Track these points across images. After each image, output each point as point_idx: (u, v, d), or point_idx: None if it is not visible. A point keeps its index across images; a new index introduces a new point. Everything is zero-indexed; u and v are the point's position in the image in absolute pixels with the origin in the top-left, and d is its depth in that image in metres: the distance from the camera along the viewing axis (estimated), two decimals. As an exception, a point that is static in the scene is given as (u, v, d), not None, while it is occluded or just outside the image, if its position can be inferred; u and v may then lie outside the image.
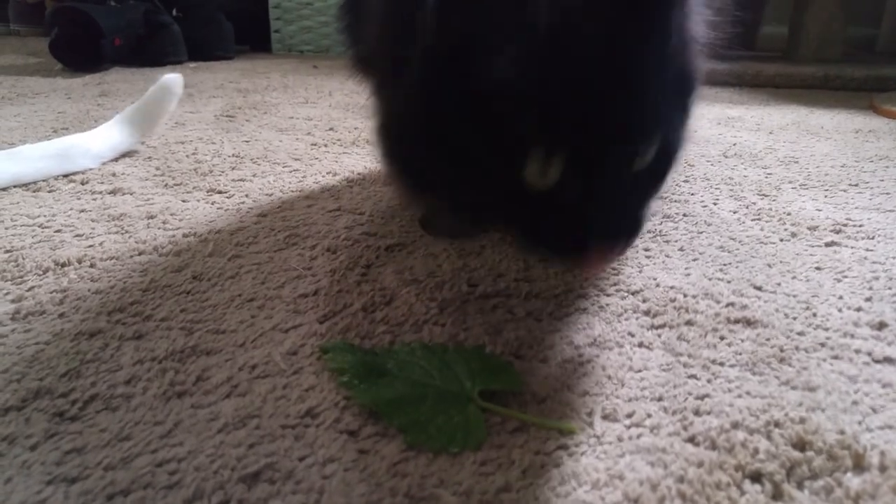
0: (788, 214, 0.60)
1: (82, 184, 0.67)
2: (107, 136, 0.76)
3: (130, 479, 0.26)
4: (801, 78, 1.40)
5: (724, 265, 0.49)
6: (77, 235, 0.53)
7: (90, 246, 0.51)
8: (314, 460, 0.28)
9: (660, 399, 0.32)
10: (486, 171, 0.31)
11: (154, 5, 1.65)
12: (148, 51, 1.60)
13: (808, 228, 0.56)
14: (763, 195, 0.66)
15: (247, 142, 0.86)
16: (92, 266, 0.47)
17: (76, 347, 0.36)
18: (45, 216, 0.57)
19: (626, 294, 0.44)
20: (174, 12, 1.74)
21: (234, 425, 0.30)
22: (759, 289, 0.45)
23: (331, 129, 0.95)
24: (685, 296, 0.43)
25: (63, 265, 0.47)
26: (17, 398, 0.31)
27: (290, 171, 0.72)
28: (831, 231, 0.56)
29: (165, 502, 0.25)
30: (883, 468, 0.27)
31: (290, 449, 0.28)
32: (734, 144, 0.89)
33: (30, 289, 0.43)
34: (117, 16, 1.54)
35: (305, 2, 1.88)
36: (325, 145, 0.85)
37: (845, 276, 0.47)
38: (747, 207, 0.62)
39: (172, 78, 0.78)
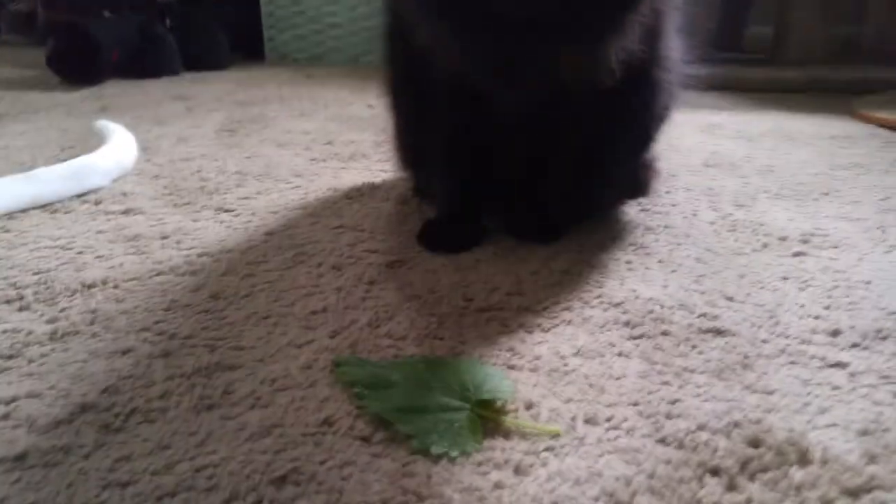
0: (762, 225, 0.64)
1: (96, 204, 0.70)
2: (113, 154, 0.80)
3: (175, 483, 0.30)
4: (785, 82, 1.43)
5: (700, 276, 0.53)
6: (98, 257, 0.56)
7: (111, 267, 0.54)
8: (333, 464, 0.32)
9: (636, 404, 0.37)
10: None
11: (149, 17, 1.67)
12: (144, 63, 1.62)
13: (779, 239, 0.61)
14: (739, 205, 0.71)
15: (248, 158, 0.89)
16: (116, 287, 0.51)
17: (111, 365, 0.40)
18: (65, 238, 0.60)
19: (608, 306, 0.48)
20: (167, 23, 1.76)
21: (260, 434, 0.34)
22: (730, 299, 0.49)
23: (328, 142, 0.98)
24: (662, 307, 0.48)
25: (90, 287, 0.50)
26: (66, 412, 0.35)
27: (293, 188, 0.76)
28: (800, 241, 0.60)
29: (207, 503, 0.29)
30: (824, 462, 0.32)
31: (312, 454, 0.32)
32: (715, 153, 0.93)
33: (62, 310, 0.47)
34: (114, 28, 1.56)
35: (298, 10, 1.91)
36: (324, 160, 0.88)
37: (808, 286, 0.51)
38: (724, 218, 0.67)
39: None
